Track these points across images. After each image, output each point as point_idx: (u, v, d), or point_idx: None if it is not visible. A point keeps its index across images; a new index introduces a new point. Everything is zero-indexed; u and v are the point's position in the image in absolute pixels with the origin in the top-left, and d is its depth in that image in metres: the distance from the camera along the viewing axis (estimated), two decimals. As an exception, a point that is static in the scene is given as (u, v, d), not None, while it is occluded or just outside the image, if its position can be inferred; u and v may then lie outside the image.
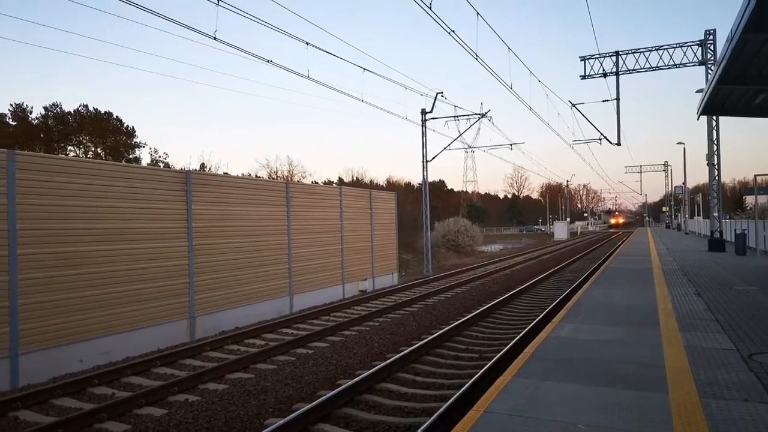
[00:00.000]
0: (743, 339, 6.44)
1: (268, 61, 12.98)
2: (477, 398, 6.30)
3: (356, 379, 7.05)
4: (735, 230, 23.39)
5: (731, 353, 5.79)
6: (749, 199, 67.37)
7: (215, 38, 10.52)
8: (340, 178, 68.77)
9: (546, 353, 5.90)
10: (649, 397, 4.39)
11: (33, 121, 46.38)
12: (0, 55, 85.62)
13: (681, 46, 22.65)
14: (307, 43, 13.41)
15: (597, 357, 5.70)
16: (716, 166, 23.16)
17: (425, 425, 5.34)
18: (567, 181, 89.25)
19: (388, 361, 7.88)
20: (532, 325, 10.08)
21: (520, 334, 9.38)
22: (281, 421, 5.58)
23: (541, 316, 10.85)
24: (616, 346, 6.15)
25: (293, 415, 5.75)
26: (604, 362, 5.48)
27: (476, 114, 26.56)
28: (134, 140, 51.29)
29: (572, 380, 4.88)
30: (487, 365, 7.49)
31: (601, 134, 25.86)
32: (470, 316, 11.59)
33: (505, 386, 4.73)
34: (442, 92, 23.98)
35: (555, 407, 4.22)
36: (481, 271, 23.46)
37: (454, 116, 26.28)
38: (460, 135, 26.59)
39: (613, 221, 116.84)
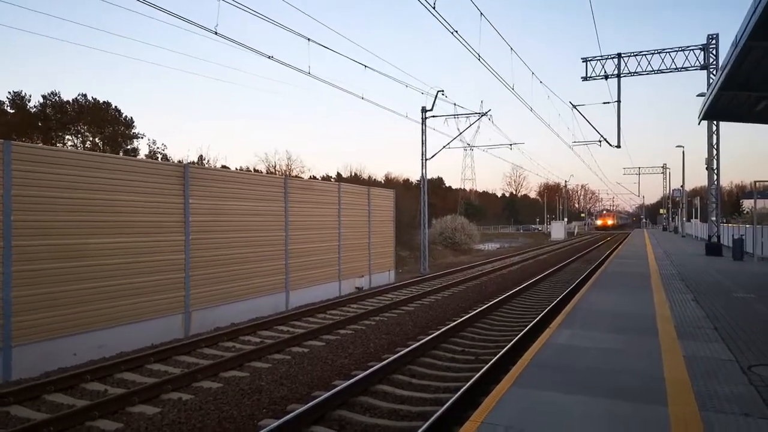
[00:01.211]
0: (742, 349, 6.41)
1: (269, 57, 12.89)
2: (472, 402, 6.28)
3: (351, 380, 7.00)
4: (732, 235, 23.40)
5: (730, 364, 5.75)
6: (746, 204, 67.58)
7: (216, 33, 10.41)
8: (338, 173, 68.66)
9: (544, 361, 5.85)
10: (649, 410, 4.34)
11: (31, 110, 46.17)
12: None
13: (683, 50, 22.58)
14: (308, 39, 13.32)
15: (595, 366, 5.65)
16: (716, 171, 23.15)
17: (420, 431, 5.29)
18: (565, 181, 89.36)
19: (384, 363, 7.83)
20: (527, 329, 10.03)
21: (517, 338, 9.33)
22: (275, 423, 5.52)
23: (536, 321, 10.81)
24: (614, 355, 6.11)
25: (287, 417, 5.70)
26: (603, 372, 5.44)
27: (476, 113, 26.51)
28: (133, 131, 51.18)
29: (571, 391, 4.83)
30: (483, 369, 7.43)
31: (601, 136, 25.81)
32: (467, 317, 11.54)
33: (502, 396, 4.68)
34: (442, 90, 23.93)
35: (553, 419, 4.17)
36: (477, 271, 23.44)
37: (454, 115, 26.25)
38: (460, 134, 26.60)
39: (599, 223, 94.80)
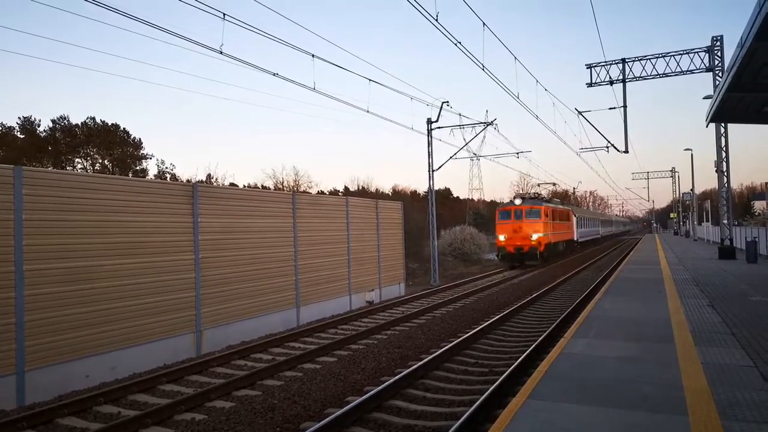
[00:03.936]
0: (761, 355, 6.28)
1: (273, 74, 12.99)
2: (488, 416, 6.19)
3: (365, 396, 6.94)
4: (746, 238, 23.13)
5: (750, 371, 5.64)
6: (757, 205, 66.82)
7: (221, 52, 10.51)
8: (345, 187, 68.73)
9: (560, 372, 5.77)
10: (669, 420, 4.25)
11: (41, 134, 46.75)
12: (8, 68, 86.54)
13: (688, 53, 22.52)
14: (313, 56, 13.43)
15: (613, 376, 5.56)
16: (725, 173, 22.96)
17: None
18: (573, 188, 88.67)
19: (397, 377, 7.76)
20: (541, 339, 9.91)
21: (531, 348, 9.21)
22: (289, 443, 5.47)
23: (550, 330, 10.68)
24: (631, 364, 6.01)
25: (301, 436, 5.64)
26: (621, 382, 5.34)
27: (482, 123, 26.53)
28: (141, 152, 51.64)
29: (589, 402, 4.75)
30: (498, 381, 7.33)
31: (609, 142, 25.72)
32: (479, 328, 11.45)
33: (519, 409, 4.60)
34: (447, 101, 24.03)
35: None
36: (488, 281, 23.29)
37: (460, 125, 26.27)
38: (466, 144, 26.52)
39: (502, 238, 29.89)
